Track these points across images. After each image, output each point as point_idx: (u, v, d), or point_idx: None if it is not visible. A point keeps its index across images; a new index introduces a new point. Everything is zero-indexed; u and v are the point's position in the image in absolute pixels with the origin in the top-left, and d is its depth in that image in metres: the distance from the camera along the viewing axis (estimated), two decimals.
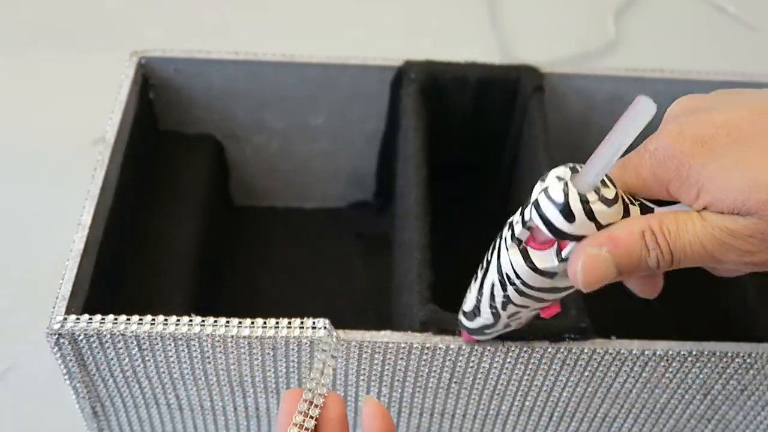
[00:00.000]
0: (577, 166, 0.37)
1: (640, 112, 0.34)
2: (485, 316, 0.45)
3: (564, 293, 0.42)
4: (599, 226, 0.36)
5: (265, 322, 0.51)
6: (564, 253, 0.38)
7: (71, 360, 0.53)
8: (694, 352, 0.52)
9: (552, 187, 0.36)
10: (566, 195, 0.36)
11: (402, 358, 0.53)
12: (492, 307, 0.44)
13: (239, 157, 0.78)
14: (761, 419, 0.59)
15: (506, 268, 0.40)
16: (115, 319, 0.51)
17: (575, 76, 0.70)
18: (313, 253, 0.80)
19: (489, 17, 1.11)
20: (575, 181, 0.36)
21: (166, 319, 0.51)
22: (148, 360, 0.53)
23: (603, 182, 0.36)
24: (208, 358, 0.53)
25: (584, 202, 0.36)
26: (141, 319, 0.51)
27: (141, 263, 0.65)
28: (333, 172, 0.80)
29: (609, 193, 0.36)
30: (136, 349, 0.52)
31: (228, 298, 0.75)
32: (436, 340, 0.52)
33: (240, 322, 0.51)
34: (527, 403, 0.57)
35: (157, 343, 0.52)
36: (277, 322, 0.51)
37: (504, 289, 0.41)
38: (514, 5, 1.14)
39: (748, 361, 0.53)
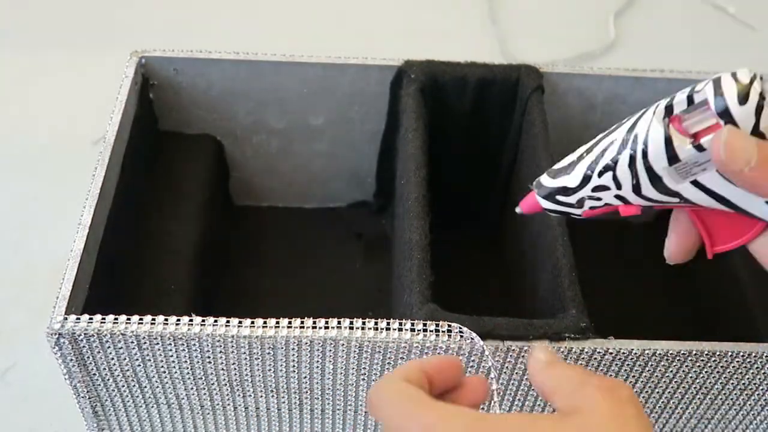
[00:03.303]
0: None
1: None
2: (574, 177, 0.46)
3: (653, 204, 0.44)
4: (755, 128, 0.39)
5: (265, 322, 0.51)
6: (703, 140, 0.40)
7: (71, 360, 0.53)
8: (694, 352, 0.52)
9: (741, 71, 0.39)
10: (752, 81, 0.38)
11: (402, 358, 0.53)
12: (590, 168, 0.45)
13: (239, 157, 0.78)
14: (761, 419, 0.59)
15: (639, 129, 0.42)
16: (115, 319, 0.51)
17: (575, 76, 0.70)
18: (313, 253, 0.80)
19: (489, 17, 1.11)
20: (764, 82, 0.39)
21: (166, 319, 0.51)
22: (148, 360, 0.53)
23: None
24: (208, 358, 0.53)
25: (762, 97, 0.39)
26: (141, 319, 0.51)
27: (141, 263, 0.65)
28: (333, 172, 0.80)
29: None
30: (136, 349, 0.52)
31: (228, 298, 0.75)
32: (436, 340, 0.52)
33: (240, 322, 0.51)
34: (527, 403, 0.57)
35: (157, 343, 0.52)
36: (277, 322, 0.51)
37: (620, 150, 0.43)
38: (514, 5, 1.14)
39: (748, 361, 0.53)
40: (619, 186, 0.44)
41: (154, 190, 0.70)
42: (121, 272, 0.63)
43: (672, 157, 0.41)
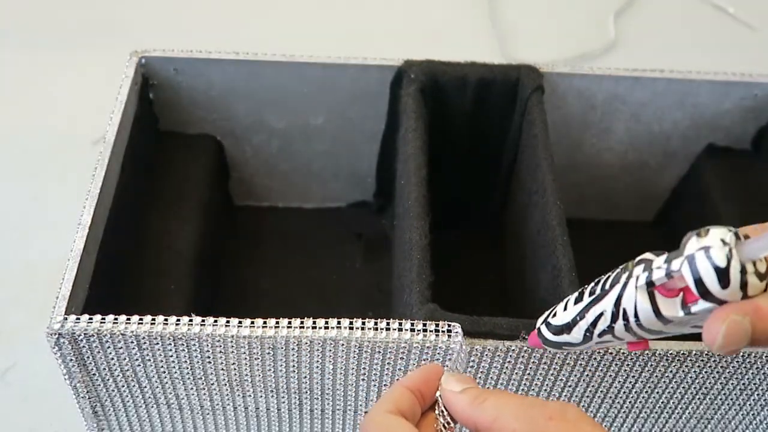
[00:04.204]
0: (739, 233, 0.37)
1: None
2: (575, 336, 0.45)
3: (663, 336, 0.42)
4: (744, 297, 0.37)
5: (265, 322, 0.51)
6: (694, 309, 0.38)
7: (71, 360, 0.53)
8: (694, 352, 0.52)
9: (715, 249, 0.36)
10: (729, 261, 0.36)
11: (402, 358, 0.53)
12: (588, 331, 0.44)
13: (239, 157, 0.78)
14: (761, 419, 0.59)
15: (627, 305, 0.41)
16: (115, 319, 0.51)
17: (575, 76, 0.70)
18: (313, 253, 0.80)
19: (489, 17, 1.11)
20: (740, 249, 0.36)
21: (166, 319, 0.51)
22: (148, 360, 0.53)
23: None
24: (208, 358, 0.53)
25: (743, 272, 0.36)
26: (141, 319, 0.51)
27: (141, 263, 0.65)
28: (333, 172, 0.80)
29: (762, 267, 0.37)
30: (136, 349, 0.52)
31: (228, 298, 0.75)
32: (436, 340, 0.52)
33: (240, 322, 0.51)
34: None
35: (157, 343, 0.52)
36: (277, 322, 0.51)
37: (613, 321, 0.42)
38: (514, 5, 1.14)
39: (748, 361, 0.53)
40: (622, 340, 0.43)
41: (154, 190, 0.70)
42: (121, 272, 0.63)
43: (667, 322, 0.40)
